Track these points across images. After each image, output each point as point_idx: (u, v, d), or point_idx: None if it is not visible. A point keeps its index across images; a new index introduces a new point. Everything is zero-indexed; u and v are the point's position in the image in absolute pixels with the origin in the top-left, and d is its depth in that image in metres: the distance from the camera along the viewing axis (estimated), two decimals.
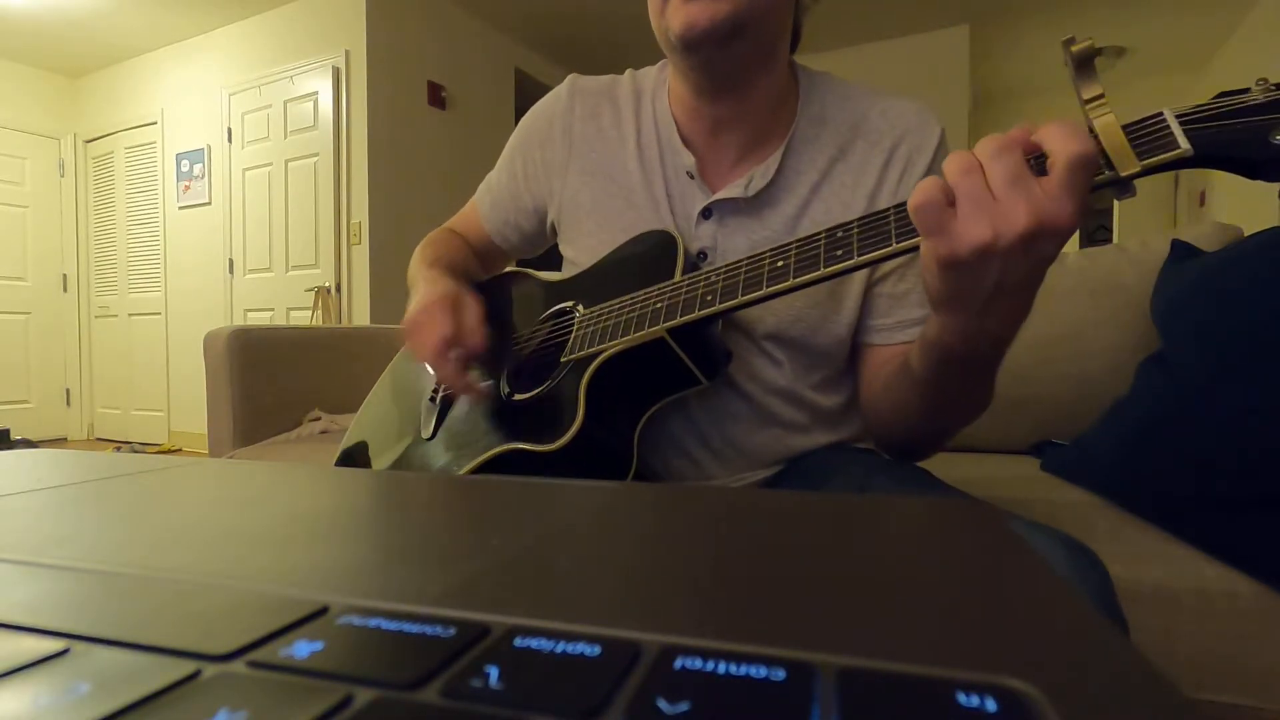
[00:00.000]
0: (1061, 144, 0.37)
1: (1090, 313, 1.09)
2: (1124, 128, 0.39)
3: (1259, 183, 0.38)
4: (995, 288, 0.40)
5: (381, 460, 0.71)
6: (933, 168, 0.61)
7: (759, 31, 0.57)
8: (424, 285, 0.65)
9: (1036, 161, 0.39)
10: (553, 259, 0.77)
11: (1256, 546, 0.63)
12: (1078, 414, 1.03)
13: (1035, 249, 0.38)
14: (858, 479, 0.57)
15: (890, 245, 0.44)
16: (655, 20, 0.59)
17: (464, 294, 0.63)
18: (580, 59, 4.43)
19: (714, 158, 0.64)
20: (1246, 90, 0.37)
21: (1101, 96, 0.40)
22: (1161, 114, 0.39)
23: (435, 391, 0.70)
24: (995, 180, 0.38)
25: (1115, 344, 1.06)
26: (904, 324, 0.61)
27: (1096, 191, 0.40)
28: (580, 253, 0.69)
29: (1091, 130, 0.40)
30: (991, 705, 0.10)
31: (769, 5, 0.56)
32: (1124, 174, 0.38)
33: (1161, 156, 0.37)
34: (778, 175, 0.61)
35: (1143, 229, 4.94)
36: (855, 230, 0.46)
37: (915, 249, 0.43)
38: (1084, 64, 0.40)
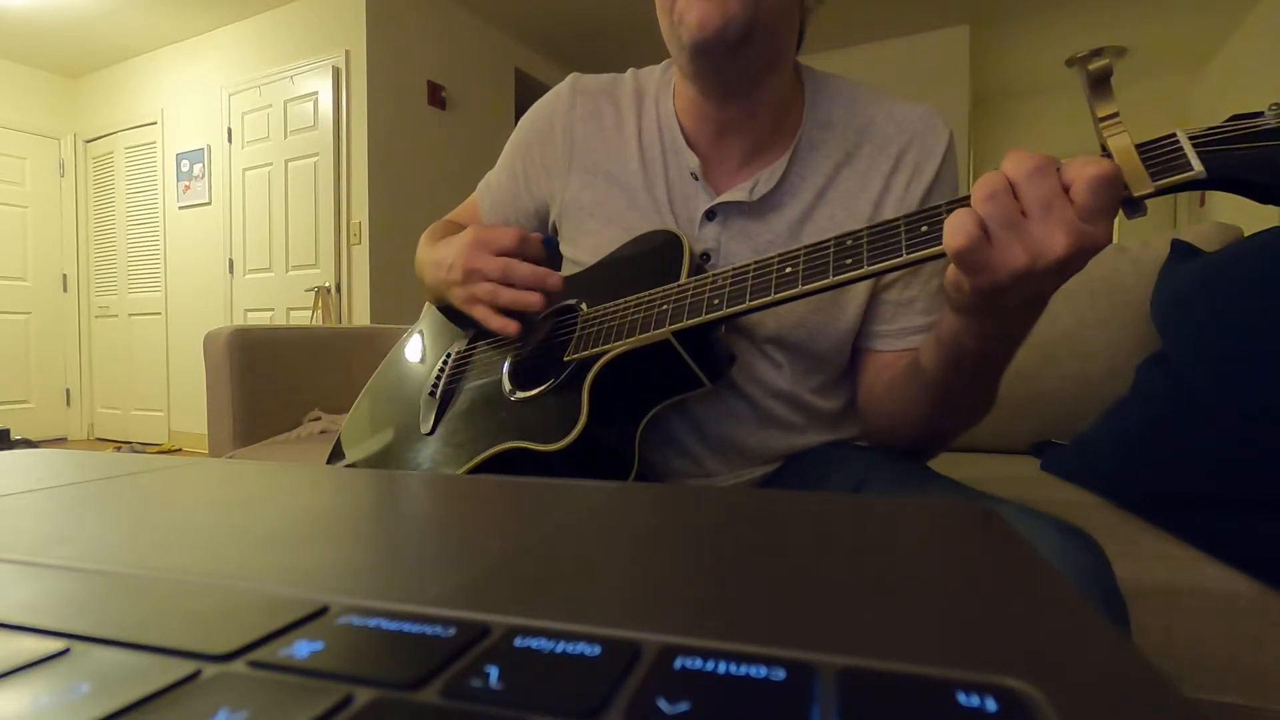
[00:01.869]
0: (1082, 168, 0.37)
1: (1090, 313, 1.09)
2: (1138, 147, 0.39)
3: None
4: (1023, 301, 0.41)
5: (378, 454, 0.70)
6: (941, 172, 0.61)
7: (769, 35, 0.57)
8: (469, 232, 0.64)
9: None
10: (553, 258, 0.77)
11: (1257, 546, 0.63)
12: (1078, 414, 1.03)
13: (1071, 267, 0.39)
14: (856, 474, 0.57)
15: (900, 256, 0.44)
16: (665, 22, 0.59)
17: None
18: (580, 59, 4.43)
19: (719, 160, 0.64)
20: (1259, 114, 0.38)
21: (1116, 115, 0.40)
22: (1174, 135, 0.39)
23: (435, 385, 0.70)
24: (1030, 203, 0.38)
25: (1115, 344, 1.06)
26: (907, 331, 0.61)
27: None
28: (581, 252, 0.69)
29: (1105, 149, 0.40)
30: (991, 705, 0.10)
31: (776, 11, 0.56)
32: (1137, 194, 0.39)
33: (1175, 178, 0.38)
34: (783, 179, 0.61)
35: (1143, 229, 4.94)
36: (865, 239, 0.46)
37: (925, 260, 0.43)
38: (1100, 83, 0.40)
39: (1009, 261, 0.38)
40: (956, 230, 0.39)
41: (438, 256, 0.67)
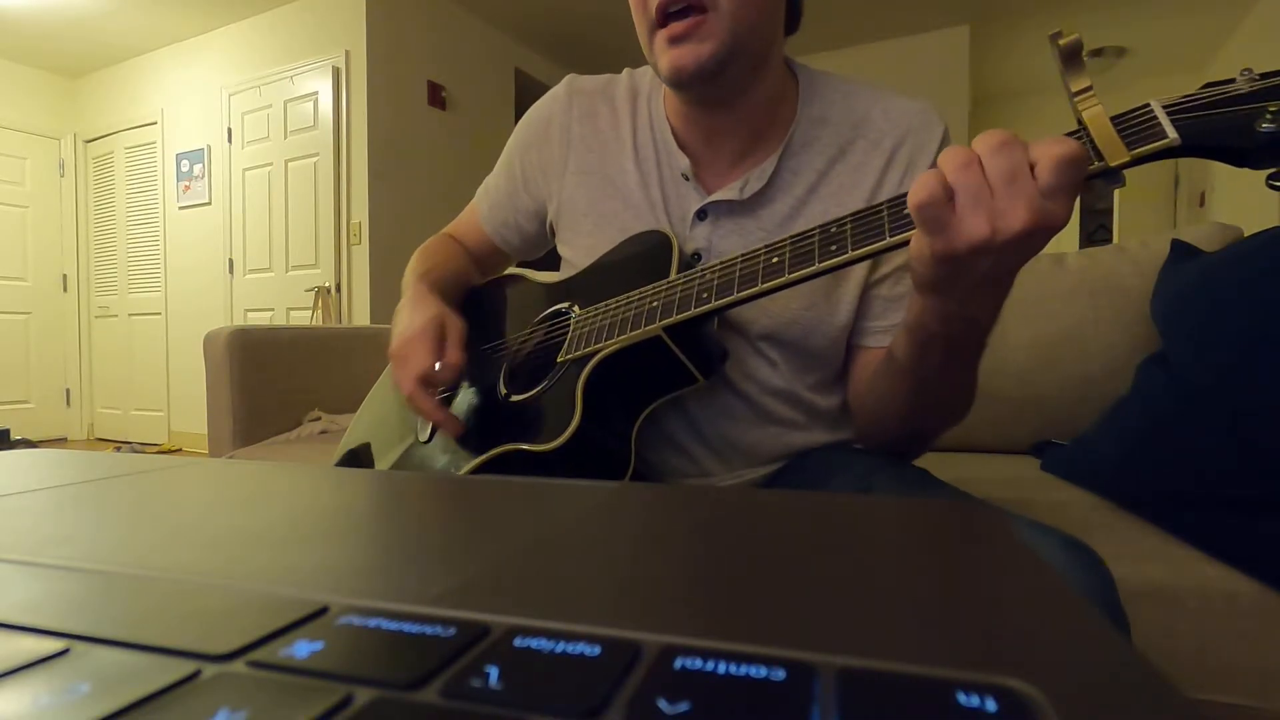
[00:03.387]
0: (1048, 148, 0.38)
1: (1090, 313, 1.09)
2: (1112, 119, 0.39)
3: (1258, 183, 0.39)
4: (982, 277, 0.42)
5: (379, 462, 0.71)
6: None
7: (746, 55, 0.57)
8: (408, 309, 0.65)
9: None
10: (554, 260, 0.77)
11: (1256, 546, 0.63)
12: (1078, 414, 1.03)
13: (1029, 245, 0.39)
14: (858, 478, 0.57)
15: (884, 239, 0.44)
16: (645, 51, 0.60)
17: (448, 319, 0.62)
18: (580, 59, 4.43)
19: (710, 160, 0.64)
20: (1232, 80, 0.38)
21: (1090, 89, 0.40)
22: (1149, 105, 0.39)
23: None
24: (994, 176, 0.38)
25: (1115, 344, 1.06)
26: (899, 327, 0.61)
27: (1089, 182, 0.41)
28: (578, 253, 0.69)
29: (1080, 122, 0.40)
30: (991, 705, 0.10)
31: (753, 27, 0.56)
32: (1113, 164, 0.39)
33: (1150, 146, 0.38)
34: (774, 177, 0.61)
35: (1143, 229, 4.93)
36: (849, 225, 0.46)
37: (908, 241, 0.43)
38: (1071, 57, 0.40)
39: (969, 230, 0.38)
40: (919, 186, 0.39)
41: (400, 310, 0.67)
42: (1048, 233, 0.38)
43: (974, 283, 0.42)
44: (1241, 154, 0.38)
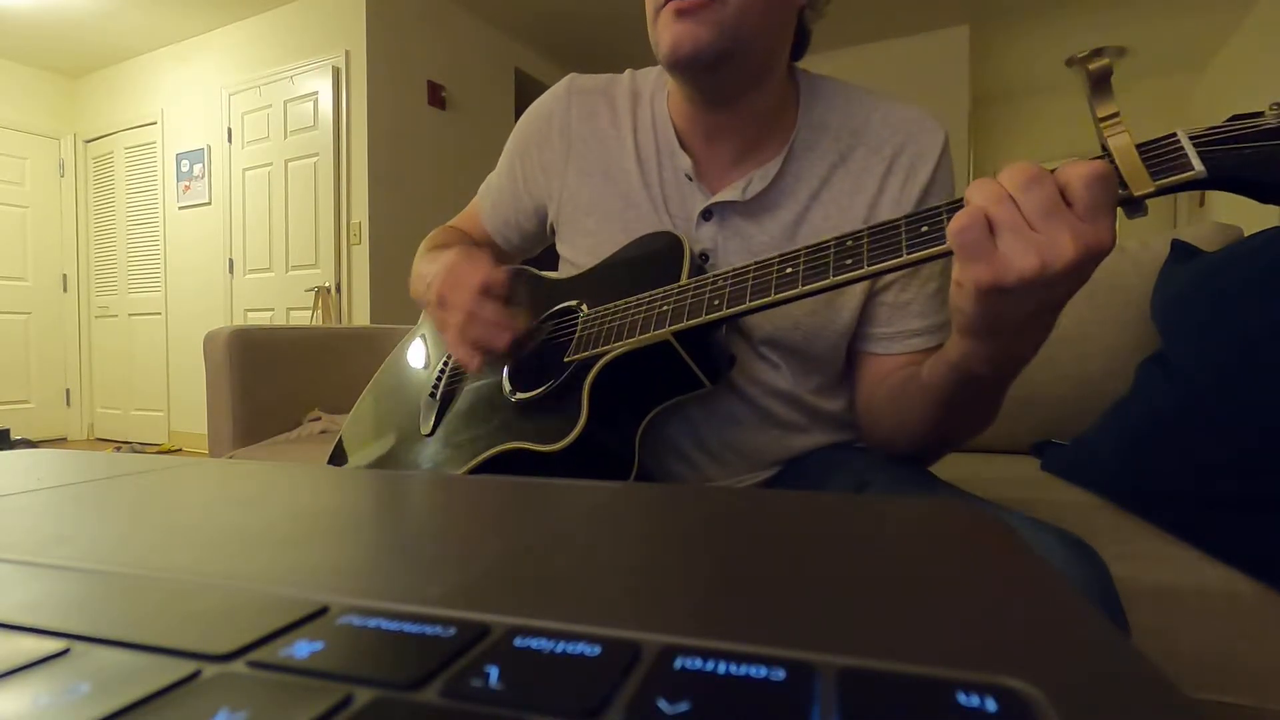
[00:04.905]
0: (1074, 170, 0.37)
1: (1090, 313, 1.09)
2: (1138, 147, 0.39)
3: None
4: (1032, 314, 0.40)
5: (378, 456, 0.71)
6: (936, 175, 0.61)
7: (747, 56, 0.57)
8: (452, 254, 0.63)
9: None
10: (549, 258, 0.77)
11: (1257, 547, 0.63)
12: (1078, 414, 1.03)
13: (1079, 275, 0.38)
14: (856, 477, 0.57)
15: (901, 256, 0.43)
16: (650, 31, 0.60)
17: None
18: (580, 59, 4.43)
19: (711, 160, 0.64)
20: (1259, 114, 0.38)
21: (1117, 115, 0.40)
22: (1175, 135, 0.39)
23: (435, 387, 0.70)
24: (1031, 211, 0.37)
25: (1115, 344, 1.06)
26: (904, 334, 0.61)
27: None
28: (579, 252, 0.69)
29: (1105, 149, 0.40)
30: (991, 705, 0.10)
31: (757, 30, 0.56)
32: (1138, 194, 0.38)
33: (1175, 177, 0.38)
34: (777, 180, 0.61)
35: (1143, 229, 4.93)
36: (865, 240, 0.46)
37: (925, 260, 0.43)
38: (1100, 83, 0.40)
39: (1019, 265, 0.37)
40: (956, 215, 0.39)
41: (423, 270, 0.67)
42: (1095, 259, 0.37)
43: (1021, 320, 0.41)
44: (1267, 189, 0.37)
